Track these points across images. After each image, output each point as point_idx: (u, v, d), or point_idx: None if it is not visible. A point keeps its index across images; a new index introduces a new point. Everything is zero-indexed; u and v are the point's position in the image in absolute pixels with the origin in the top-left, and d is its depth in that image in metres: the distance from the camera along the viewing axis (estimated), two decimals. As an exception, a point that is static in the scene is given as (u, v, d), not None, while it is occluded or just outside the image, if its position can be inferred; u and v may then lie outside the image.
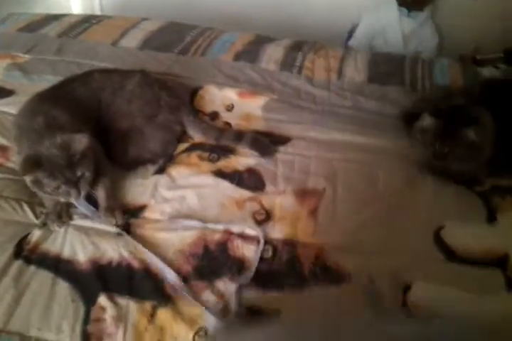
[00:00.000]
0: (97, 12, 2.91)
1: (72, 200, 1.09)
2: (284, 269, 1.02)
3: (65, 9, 3.17)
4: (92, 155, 1.09)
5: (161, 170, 1.24)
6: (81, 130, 1.10)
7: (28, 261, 1.03)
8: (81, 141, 1.05)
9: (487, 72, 1.70)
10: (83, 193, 1.08)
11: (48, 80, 1.51)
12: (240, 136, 1.31)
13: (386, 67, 1.69)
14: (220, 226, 1.10)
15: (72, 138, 1.05)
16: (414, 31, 2.32)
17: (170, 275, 0.99)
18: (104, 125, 1.24)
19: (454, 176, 1.22)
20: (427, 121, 1.19)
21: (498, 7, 2.27)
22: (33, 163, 1.02)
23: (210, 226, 1.10)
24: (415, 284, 0.99)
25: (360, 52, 1.83)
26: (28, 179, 1.04)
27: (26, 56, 1.67)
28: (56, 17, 1.96)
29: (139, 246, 1.04)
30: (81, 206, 1.13)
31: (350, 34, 2.49)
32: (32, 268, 1.02)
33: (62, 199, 1.09)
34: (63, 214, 1.11)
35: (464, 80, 1.63)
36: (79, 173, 1.05)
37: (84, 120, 1.16)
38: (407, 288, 0.98)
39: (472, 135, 1.13)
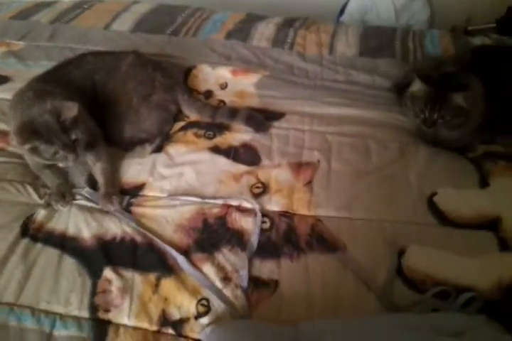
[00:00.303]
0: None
1: (70, 164, 1.13)
2: (281, 240, 1.05)
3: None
4: (84, 122, 1.12)
5: (158, 149, 1.27)
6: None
7: (35, 239, 1.07)
8: (71, 108, 1.07)
9: (478, 41, 1.70)
10: (78, 156, 1.11)
11: (43, 66, 1.52)
12: (234, 112, 1.33)
13: (377, 41, 1.69)
14: (219, 201, 1.13)
15: (63, 105, 1.07)
16: (406, 4, 2.31)
17: (172, 253, 1.03)
18: (100, 106, 1.27)
19: (445, 143, 1.24)
20: (417, 86, 1.21)
21: (490, -23, 2.26)
22: (30, 132, 1.04)
23: (208, 200, 1.13)
24: (410, 247, 1.02)
25: (351, 26, 1.84)
26: (26, 147, 1.06)
27: (20, 43, 1.68)
28: (48, 4, 1.97)
29: (136, 226, 1.08)
30: (83, 190, 1.17)
31: (343, 10, 2.47)
32: (39, 245, 1.05)
33: (60, 165, 1.14)
34: (66, 194, 1.14)
35: (456, 50, 1.63)
36: (73, 136, 1.08)
37: (79, 101, 1.18)
38: (401, 253, 1.01)
39: (460, 100, 1.15)
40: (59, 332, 0.93)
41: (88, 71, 1.28)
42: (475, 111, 1.19)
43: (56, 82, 1.23)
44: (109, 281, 0.99)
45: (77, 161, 1.12)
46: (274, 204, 1.12)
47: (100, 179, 1.18)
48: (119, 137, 1.28)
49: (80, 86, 1.25)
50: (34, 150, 1.07)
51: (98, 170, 1.19)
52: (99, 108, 1.26)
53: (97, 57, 1.34)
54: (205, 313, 0.94)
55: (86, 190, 1.17)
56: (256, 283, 0.99)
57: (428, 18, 2.38)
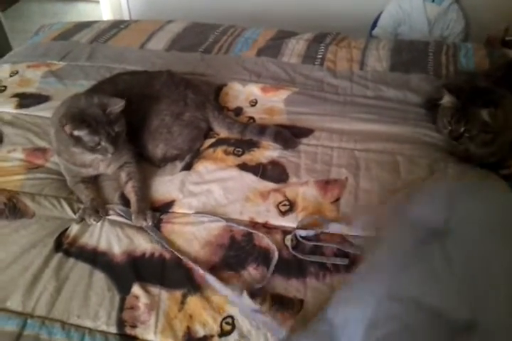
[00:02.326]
0: (126, 17, 3.01)
1: (108, 156, 1.17)
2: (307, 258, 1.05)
3: (95, 17, 3.32)
4: (124, 122, 1.18)
5: (188, 166, 1.29)
6: None
7: (68, 253, 1.10)
8: (117, 102, 1.14)
9: (515, 53, 1.66)
10: (117, 150, 1.16)
11: (81, 85, 1.60)
12: (263, 129, 1.35)
13: (409, 55, 1.68)
14: (245, 218, 1.14)
15: (110, 99, 1.15)
16: (440, 16, 2.29)
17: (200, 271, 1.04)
18: (134, 124, 1.30)
19: (476, 159, 1.21)
20: (446, 98, 1.20)
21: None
22: (79, 120, 1.11)
23: (233, 221, 1.14)
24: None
25: (383, 40, 1.83)
26: (75, 134, 1.12)
27: (61, 63, 1.76)
28: (87, 24, 2.05)
29: (164, 244, 1.10)
30: (116, 206, 1.21)
31: (375, 23, 2.47)
32: (71, 260, 1.08)
33: (99, 156, 1.17)
34: (99, 209, 1.18)
35: (490, 64, 1.60)
36: (117, 129, 1.15)
37: None
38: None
39: (486, 116, 1.13)
40: (87, 346, 0.95)
41: (123, 90, 1.32)
42: (506, 127, 1.16)
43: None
44: (137, 297, 1.01)
45: (115, 152, 1.17)
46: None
47: (132, 196, 1.21)
48: (152, 154, 1.32)
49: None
50: (79, 140, 1.12)
51: (129, 188, 1.22)
52: (133, 126, 1.30)
53: (131, 76, 1.39)
54: (230, 332, 0.95)
55: (119, 208, 1.20)
56: (281, 301, 0.98)
57: (463, 28, 2.34)
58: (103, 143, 1.13)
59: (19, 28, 3.35)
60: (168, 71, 1.43)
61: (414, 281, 0.83)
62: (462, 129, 1.17)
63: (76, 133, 1.12)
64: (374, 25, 2.49)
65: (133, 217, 1.16)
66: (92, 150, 1.15)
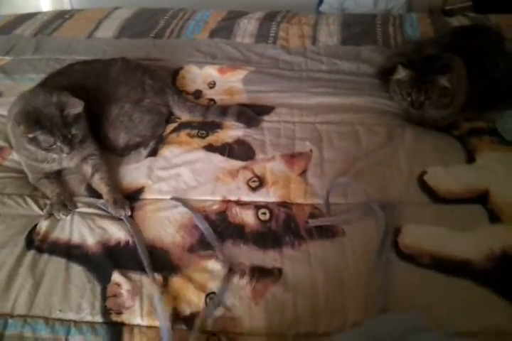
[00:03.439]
0: (67, 7, 2.90)
1: (63, 156, 1.15)
2: (282, 229, 1.08)
3: (31, 8, 3.16)
4: (83, 121, 1.16)
5: (153, 152, 1.29)
6: None
7: (40, 250, 1.08)
8: (76, 104, 1.11)
9: (456, 21, 1.72)
10: (73, 150, 1.15)
11: (30, 79, 1.55)
12: (224, 110, 1.36)
13: (358, 28, 1.72)
14: (217, 197, 1.15)
15: (69, 100, 1.11)
16: (383, -11, 2.34)
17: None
18: (93, 113, 1.27)
19: (431, 123, 1.27)
20: (401, 72, 1.24)
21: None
22: (34, 121, 1.07)
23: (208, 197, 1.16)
24: (405, 227, 1.05)
25: (332, 16, 1.86)
26: (29, 136, 1.09)
27: (6, 58, 1.70)
28: (28, 16, 1.98)
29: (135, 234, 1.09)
30: (84, 198, 1.19)
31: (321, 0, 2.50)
32: (45, 256, 1.07)
33: (54, 156, 1.15)
34: (67, 202, 1.16)
35: (435, 32, 1.66)
36: (73, 131, 1.12)
37: None
38: (397, 231, 1.05)
39: (445, 81, 1.18)
40: (74, 338, 0.94)
41: (78, 80, 1.29)
42: (459, 90, 1.22)
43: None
44: (119, 285, 1.01)
45: (70, 153, 1.15)
46: (272, 195, 1.15)
47: (103, 188, 1.19)
48: (114, 144, 1.30)
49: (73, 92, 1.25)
50: (33, 140, 1.10)
51: (97, 180, 1.20)
52: (92, 117, 1.27)
53: (84, 65, 1.36)
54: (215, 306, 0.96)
55: (101, 202, 1.18)
56: (260, 272, 1.01)
57: (405, 1, 2.40)
58: (58, 144, 1.11)
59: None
60: (123, 58, 1.41)
61: None
62: (423, 98, 1.21)
63: (30, 135, 1.08)
64: (320, 2, 2.51)
65: (110, 208, 1.15)
66: (47, 149, 1.12)
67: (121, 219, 1.13)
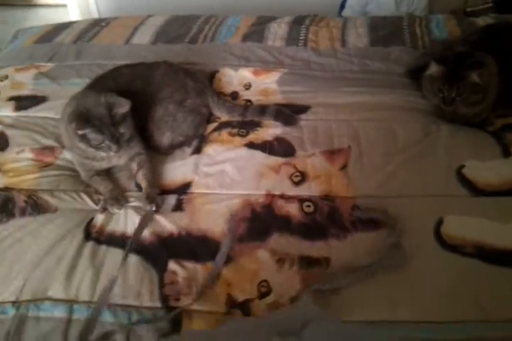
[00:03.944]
0: (95, 17, 2.99)
1: (111, 154, 1.22)
2: (326, 221, 1.13)
3: (58, 21, 3.27)
4: (131, 121, 1.22)
5: (197, 150, 1.35)
6: None
7: (98, 241, 1.14)
8: (123, 104, 1.18)
9: (482, 21, 1.77)
10: (121, 148, 1.21)
11: (75, 83, 1.62)
12: (263, 109, 1.42)
13: (385, 30, 1.78)
14: (262, 191, 1.21)
15: (116, 100, 1.18)
16: (405, -8, 2.39)
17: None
18: (138, 115, 1.33)
19: (464, 120, 1.31)
20: (434, 68, 1.29)
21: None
22: (85, 119, 1.15)
23: (253, 192, 1.21)
24: (447, 218, 1.10)
25: (358, 19, 1.92)
26: (79, 132, 1.16)
27: (49, 64, 1.77)
28: (66, 25, 2.06)
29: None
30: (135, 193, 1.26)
31: (343, 4, 2.55)
32: (103, 247, 1.13)
33: (103, 154, 1.22)
34: (120, 197, 1.23)
35: (461, 32, 1.71)
36: (121, 130, 1.19)
37: None
38: (440, 222, 1.09)
39: (476, 77, 1.22)
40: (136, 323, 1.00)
41: (125, 83, 1.36)
42: (490, 87, 1.26)
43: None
44: (175, 273, 1.07)
45: (118, 151, 1.21)
46: (314, 190, 1.20)
47: (143, 183, 1.26)
48: (159, 143, 1.37)
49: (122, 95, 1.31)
50: (84, 137, 1.17)
51: (140, 176, 1.28)
52: (138, 117, 1.33)
53: (130, 68, 1.43)
54: (267, 293, 1.02)
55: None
56: (308, 261, 1.06)
57: (427, 3, 2.45)
58: (107, 143, 1.18)
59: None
60: (165, 61, 1.48)
61: None
62: (454, 94, 1.25)
63: (81, 132, 1.16)
64: (342, 6, 2.57)
65: (142, 202, 1.21)
66: (96, 147, 1.19)
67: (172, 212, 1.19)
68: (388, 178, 1.21)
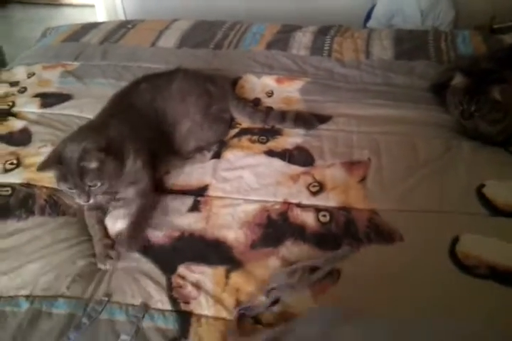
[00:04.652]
0: (122, 18, 3.05)
1: (82, 203, 1.13)
2: (341, 232, 1.12)
3: (84, 21, 3.34)
4: (112, 171, 1.13)
5: (217, 155, 1.35)
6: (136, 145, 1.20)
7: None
8: (93, 158, 1.08)
9: (509, 38, 1.76)
10: (92, 200, 1.12)
11: (99, 83, 1.66)
12: (283, 115, 1.42)
13: (411, 43, 1.78)
14: (279, 199, 1.21)
15: (89, 153, 1.08)
16: (431, 6, 2.39)
17: None
18: (166, 128, 1.33)
19: (485, 138, 1.30)
20: (458, 79, 1.28)
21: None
22: (53, 160, 1.10)
23: (270, 199, 1.21)
24: (463, 236, 1.08)
25: (384, 31, 1.92)
26: (46, 170, 1.12)
27: (75, 63, 1.81)
28: (94, 25, 2.10)
29: None
30: None
31: (369, 15, 2.56)
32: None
33: (76, 199, 1.13)
34: (109, 252, 1.14)
35: (487, 49, 1.70)
36: (89, 183, 1.09)
37: (144, 133, 1.26)
38: (455, 240, 1.07)
39: (497, 94, 1.21)
40: (146, 323, 1.00)
41: (148, 101, 1.33)
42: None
43: (119, 117, 1.27)
44: (183, 277, 1.07)
45: (87, 203, 1.12)
46: (332, 200, 1.20)
47: (129, 219, 1.19)
48: (182, 150, 1.37)
49: (143, 115, 1.31)
50: (55, 177, 1.12)
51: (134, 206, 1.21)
52: (166, 130, 1.33)
53: (149, 82, 1.38)
54: (276, 301, 1.00)
55: None
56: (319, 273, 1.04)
57: (453, 18, 2.44)
58: (74, 191, 1.10)
59: (7, 34, 3.36)
60: (182, 69, 1.46)
61: None
62: (473, 108, 1.25)
63: (46, 170, 1.12)
64: (367, 17, 2.57)
65: (121, 241, 1.16)
66: (67, 191, 1.13)
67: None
68: (407, 192, 1.19)
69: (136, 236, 1.16)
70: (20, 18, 3.84)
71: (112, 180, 1.14)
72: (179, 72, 1.44)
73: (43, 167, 1.11)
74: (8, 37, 3.27)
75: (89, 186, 1.10)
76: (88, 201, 1.11)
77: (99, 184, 1.11)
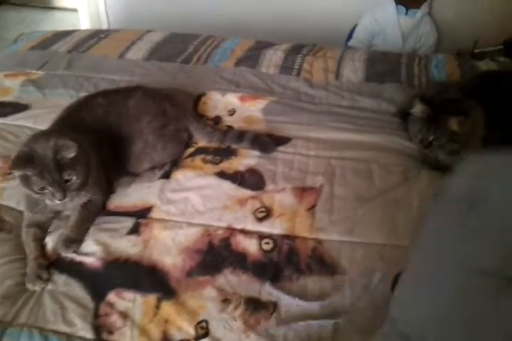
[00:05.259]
0: (105, 25, 3.02)
1: (56, 202, 1.09)
2: (283, 262, 1.07)
3: (73, 25, 3.33)
4: (83, 165, 1.12)
5: (167, 175, 1.30)
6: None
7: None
8: (70, 148, 1.07)
9: (484, 65, 1.72)
10: (68, 198, 1.09)
11: (59, 94, 1.62)
12: (241, 135, 1.38)
13: (383, 66, 1.74)
14: (223, 224, 1.16)
15: (64, 143, 1.07)
16: (413, 29, 2.37)
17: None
18: (118, 145, 1.29)
19: (445, 168, 1.25)
20: (418, 108, 1.26)
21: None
22: (25, 160, 1.06)
23: (214, 223, 1.16)
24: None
25: (357, 51, 1.89)
26: (17, 174, 1.07)
27: (39, 72, 1.76)
28: (66, 33, 2.06)
29: None
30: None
31: (351, 34, 2.53)
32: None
33: (47, 202, 1.10)
34: (42, 273, 1.08)
35: (461, 74, 1.66)
36: (66, 177, 1.08)
37: (95, 146, 1.21)
38: (398, 276, 1.01)
39: (455, 125, 1.18)
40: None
41: (100, 116, 1.29)
42: (472, 138, 1.21)
43: (72, 129, 1.23)
44: (111, 305, 1.01)
45: (63, 199, 1.09)
46: (277, 227, 1.14)
47: (73, 217, 1.17)
48: (135, 171, 1.32)
49: (95, 130, 1.26)
50: (25, 179, 1.06)
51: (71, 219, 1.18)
52: (117, 147, 1.29)
53: (105, 98, 1.34)
54: (205, 335, 0.96)
55: None
56: (255, 304, 1.00)
57: (435, 41, 2.42)
58: (50, 189, 1.07)
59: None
60: (140, 86, 1.42)
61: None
62: (431, 137, 1.21)
63: (17, 173, 1.07)
64: (349, 36, 2.55)
65: (58, 243, 1.14)
66: (39, 193, 1.08)
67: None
68: (356, 223, 1.14)
69: (75, 237, 1.14)
70: (10, 19, 3.83)
71: (83, 177, 1.12)
72: (138, 90, 1.39)
73: (18, 166, 1.06)
74: (1, 39, 3.25)
75: (66, 181, 1.08)
76: (65, 198, 1.08)
77: (74, 178, 1.09)
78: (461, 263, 0.83)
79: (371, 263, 1.05)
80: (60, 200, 1.08)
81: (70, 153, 1.07)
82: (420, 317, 0.84)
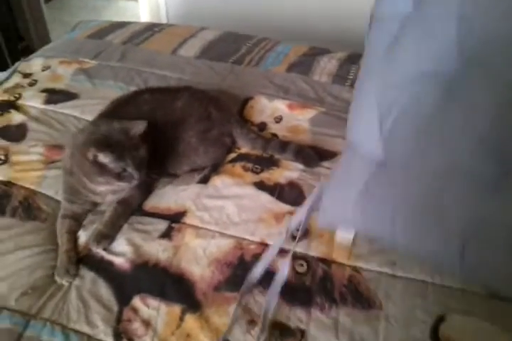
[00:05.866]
0: (163, 20, 3.03)
1: (133, 184, 1.11)
2: (316, 287, 1.02)
3: (133, 15, 3.37)
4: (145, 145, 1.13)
5: (205, 180, 1.27)
6: None
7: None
8: (139, 125, 1.10)
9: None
10: (142, 177, 1.11)
11: (109, 85, 1.61)
12: (284, 145, 1.33)
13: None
14: (256, 238, 1.12)
15: (131, 122, 1.10)
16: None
17: None
18: (159, 147, 1.25)
19: None
20: None
21: None
22: (106, 143, 1.05)
23: (247, 236, 1.12)
24: (451, 316, 0.95)
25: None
26: (100, 159, 1.06)
27: (92, 62, 1.77)
28: (122, 24, 2.07)
29: None
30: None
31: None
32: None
33: (125, 185, 1.11)
34: (71, 268, 1.08)
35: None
36: (141, 154, 1.10)
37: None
38: (440, 319, 0.95)
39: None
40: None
41: (146, 113, 1.26)
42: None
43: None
44: (135, 311, 0.99)
45: (141, 181, 1.11)
46: (313, 249, 1.09)
47: (108, 212, 1.16)
48: (174, 172, 1.30)
49: None
50: (103, 168, 1.07)
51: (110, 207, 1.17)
52: (159, 147, 1.25)
53: (153, 94, 1.33)
54: (226, 357, 0.92)
55: None
56: (282, 330, 0.95)
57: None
58: (129, 170, 1.08)
59: (59, 20, 3.44)
60: (189, 87, 1.40)
61: None
62: None
63: (101, 159, 1.06)
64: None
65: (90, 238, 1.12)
66: (118, 177, 1.09)
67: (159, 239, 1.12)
68: (401, 256, 1.06)
69: (107, 233, 1.13)
70: (74, 5, 3.94)
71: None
72: (186, 91, 1.37)
73: (103, 150, 1.05)
74: (58, 23, 3.34)
75: (141, 159, 1.10)
76: (141, 177, 1.10)
77: (145, 156, 1.11)
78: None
79: (410, 301, 0.98)
80: (138, 181, 1.10)
81: (140, 130, 1.10)
82: None
